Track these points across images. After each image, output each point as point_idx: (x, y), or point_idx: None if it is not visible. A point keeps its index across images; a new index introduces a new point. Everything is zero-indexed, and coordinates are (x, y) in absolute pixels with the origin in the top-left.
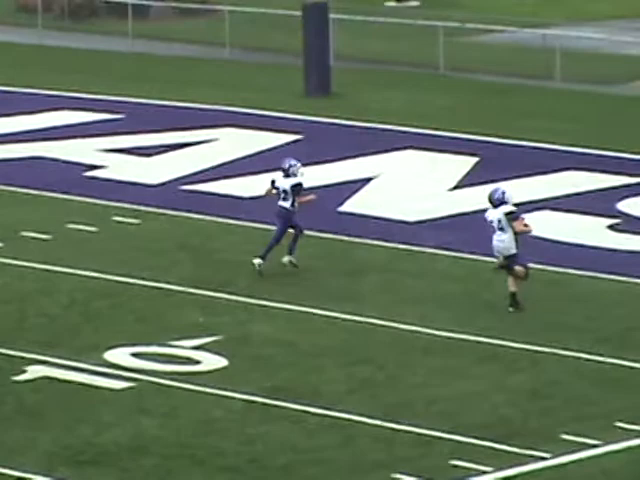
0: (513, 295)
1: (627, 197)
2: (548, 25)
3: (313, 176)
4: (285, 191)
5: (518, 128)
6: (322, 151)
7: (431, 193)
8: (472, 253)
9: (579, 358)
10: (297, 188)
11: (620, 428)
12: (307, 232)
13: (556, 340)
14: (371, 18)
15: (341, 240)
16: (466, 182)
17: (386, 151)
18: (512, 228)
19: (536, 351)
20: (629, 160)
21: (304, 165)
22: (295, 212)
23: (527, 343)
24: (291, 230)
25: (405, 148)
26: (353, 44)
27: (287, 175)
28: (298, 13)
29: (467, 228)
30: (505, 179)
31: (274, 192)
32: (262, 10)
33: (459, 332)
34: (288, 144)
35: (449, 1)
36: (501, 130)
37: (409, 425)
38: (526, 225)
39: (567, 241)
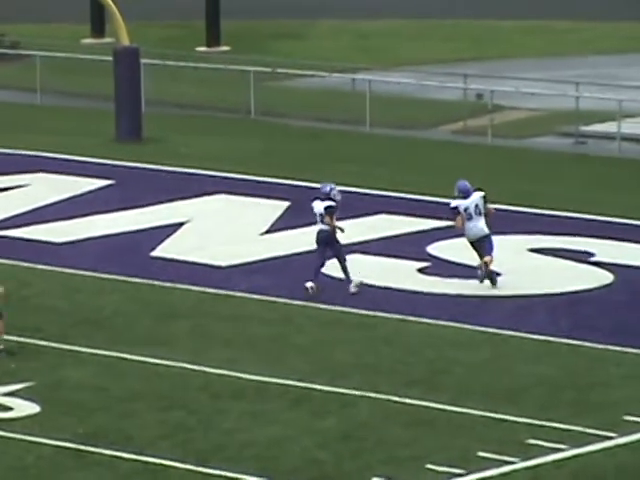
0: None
1: (437, 240)
2: (358, 70)
3: (125, 221)
4: (322, 214)
5: (329, 172)
6: (134, 196)
7: (243, 237)
8: (283, 297)
9: (389, 400)
10: (330, 209)
11: (430, 470)
12: (117, 277)
13: (366, 383)
14: (182, 63)
15: (152, 285)
16: (278, 226)
17: (198, 196)
18: (486, 210)
19: (346, 394)
20: (439, 204)
21: (114, 211)
22: (333, 233)
23: (337, 386)
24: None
25: (217, 193)
26: (165, 89)
27: (327, 198)
28: (109, 58)
29: (279, 272)
30: (315, 223)
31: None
32: (73, 55)
33: (269, 376)
34: (100, 189)
35: (259, 46)
36: (312, 174)
37: (221, 470)
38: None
39: (377, 284)
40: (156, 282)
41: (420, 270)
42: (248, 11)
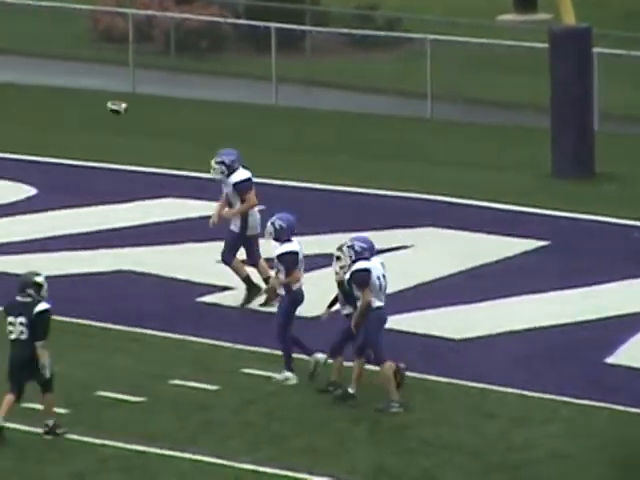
0: None
1: None
2: None
3: (568, 306)
4: None
5: None
6: (580, 266)
7: None
8: None
9: None
10: None
11: None
12: (551, 396)
13: None
14: None
15: (614, 410)
16: None
17: None
18: None
19: None
20: None
21: (552, 289)
22: None
23: None
24: None
25: None
26: (633, 95)
27: None
28: (543, 45)
29: None
30: None
31: None
32: (482, 40)
33: None
34: (525, 254)
35: None
36: None
37: None
38: None
39: None
40: (617, 406)
41: None
42: None
